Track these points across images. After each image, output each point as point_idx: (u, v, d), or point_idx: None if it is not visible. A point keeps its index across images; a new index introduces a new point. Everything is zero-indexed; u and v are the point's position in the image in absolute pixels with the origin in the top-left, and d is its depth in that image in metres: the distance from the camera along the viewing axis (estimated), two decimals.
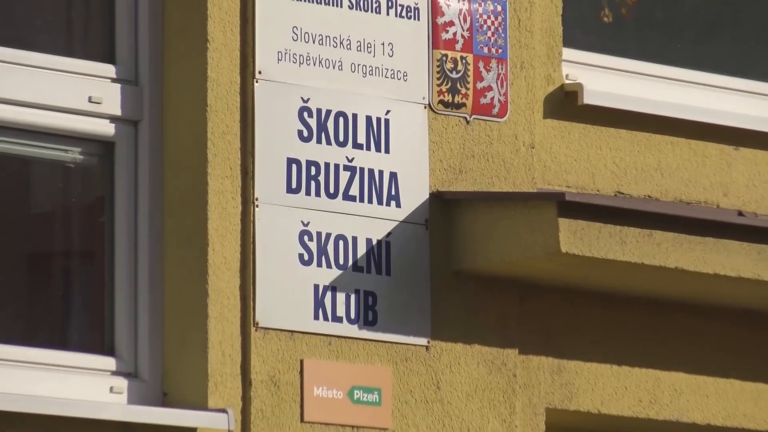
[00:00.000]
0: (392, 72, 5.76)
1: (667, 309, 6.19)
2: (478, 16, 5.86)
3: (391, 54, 5.74)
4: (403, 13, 5.77)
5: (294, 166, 5.55)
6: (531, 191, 5.84)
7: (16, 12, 5.95)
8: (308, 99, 5.59)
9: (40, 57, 5.49)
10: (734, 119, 6.59)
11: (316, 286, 5.48)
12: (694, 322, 6.27)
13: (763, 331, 6.42)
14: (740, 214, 6.31)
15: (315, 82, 5.62)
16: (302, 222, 5.51)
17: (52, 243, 5.97)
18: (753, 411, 6.56)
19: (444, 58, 5.80)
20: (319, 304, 5.52)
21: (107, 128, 5.51)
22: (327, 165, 5.65)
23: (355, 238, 5.60)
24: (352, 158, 5.65)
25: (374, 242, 5.68)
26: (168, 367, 5.53)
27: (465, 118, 5.82)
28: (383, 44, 5.78)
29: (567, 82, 6.10)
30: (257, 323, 5.38)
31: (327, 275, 5.55)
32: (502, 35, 5.90)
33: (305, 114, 5.58)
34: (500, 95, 5.91)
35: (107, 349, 5.50)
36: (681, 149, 6.41)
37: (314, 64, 5.67)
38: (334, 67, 5.69)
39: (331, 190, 5.58)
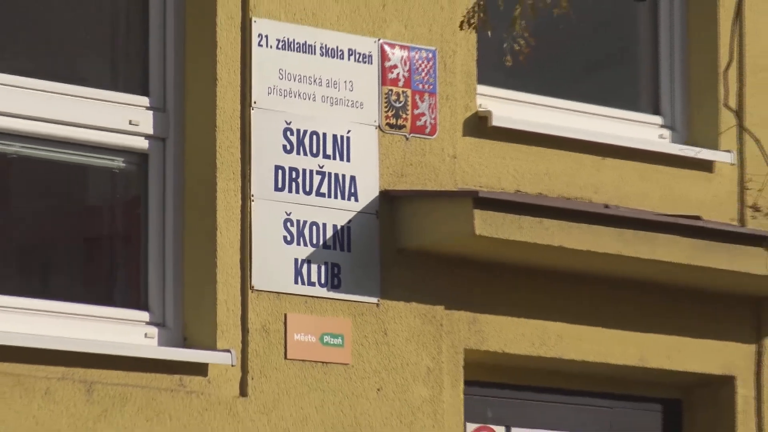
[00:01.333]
0: (352, 102, 6.07)
1: (553, 277, 6.39)
2: (414, 61, 6.18)
3: (351, 89, 6.05)
4: (360, 59, 6.08)
5: (280, 171, 5.83)
6: (453, 190, 6.09)
7: (81, 59, 6.11)
8: (290, 122, 5.87)
9: (96, 91, 5.74)
10: (602, 137, 6.81)
11: (296, 260, 5.77)
12: (573, 285, 6.42)
13: (623, 291, 6.59)
14: (606, 206, 6.40)
15: (295, 110, 5.88)
16: (286, 212, 5.78)
17: (102, 228, 6.20)
18: (618, 350, 6.66)
19: (390, 92, 6.10)
20: (297, 272, 5.79)
21: (143, 144, 5.83)
22: (304, 170, 5.90)
23: (324, 224, 5.86)
24: (323, 165, 5.94)
25: (338, 227, 5.94)
26: (187, 319, 5.79)
27: (405, 136, 6.12)
28: (345, 82, 6.10)
29: (480, 110, 6.38)
30: (253, 287, 5.66)
31: (304, 252, 5.81)
32: (432, 75, 6.18)
33: (288, 133, 5.85)
34: (431, 119, 6.21)
35: (143, 306, 5.78)
36: (564, 159, 6.65)
37: (294, 97, 5.96)
38: (309, 99, 5.96)
39: (307, 189, 5.87)
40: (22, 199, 6.00)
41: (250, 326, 5.59)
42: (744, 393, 6.78)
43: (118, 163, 5.85)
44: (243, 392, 5.58)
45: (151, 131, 5.75)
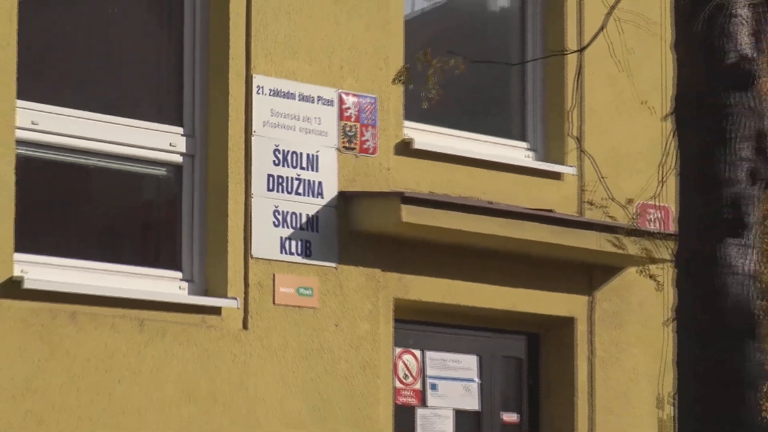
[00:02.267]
0: (319, 132, 6.75)
1: (455, 249, 7.02)
2: (362, 105, 6.82)
3: (319, 123, 6.73)
4: (326, 103, 6.74)
5: (271, 178, 6.53)
6: (388, 191, 6.75)
7: (141, 102, 6.69)
8: (278, 145, 6.58)
9: (149, 123, 6.51)
10: (488, 156, 7.32)
11: (281, 237, 6.49)
12: (469, 255, 7.07)
13: (502, 260, 7.18)
14: (489, 203, 6.96)
15: (281, 137, 6.59)
16: (275, 206, 6.52)
17: (152, 216, 6.91)
18: (497, 299, 7.25)
19: (345, 125, 6.77)
20: (282, 246, 6.49)
21: (179, 159, 6.55)
22: (287, 177, 6.61)
23: (301, 213, 6.61)
24: (299, 174, 6.65)
25: (310, 216, 6.66)
26: (208, 277, 6.52)
27: (355, 155, 6.82)
28: (315, 118, 6.76)
29: (405, 137, 7.05)
30: (252, 255, 6.41)
31: (286, 232, 6.54)
32: (374, 114, 6.82)
33: (276, 152, 6.56)
34: (373, 144, 6.86)
35: (178, 268, 6.53)
36: (462, 171, 7.22)
37: (281, 128, 6.65)
38: (290, 129, 6.65)
39: (289, 190, 6.55)
40: (98, 197, 6.72)
41: (250, 282, 6.37)
42: (581, 329, 7.50)
43: (162, 171, 6.58)
44: (245, 326, 6.35)
45: (184, 150, 6.49)
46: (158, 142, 6.44)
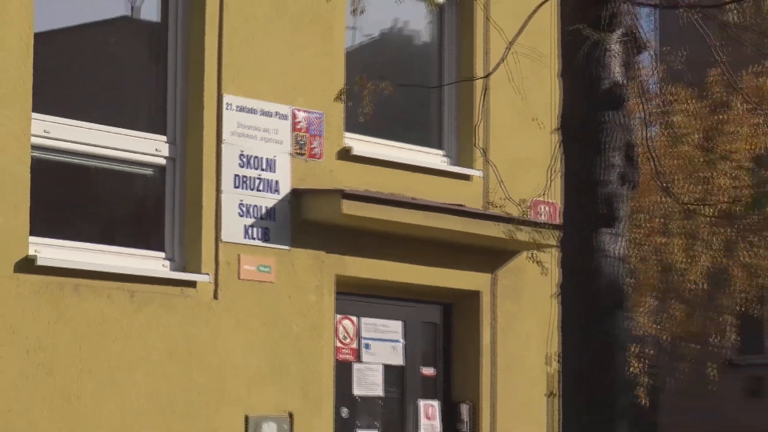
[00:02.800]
0: (276, 140, 6.95)
1: (386, 235, 7.26)
2: (311, 119, 7.06)
3: (276, 133, 6.93)
4: (282, 117, 6.93)
5: (237, 178, 6.77)
6: (331, 189, 7.03)
7: (135, 114, 6.88)
8: (243, 151, 6.79)
9: (139, 132, 6.64)
10: (413, 161, 7.60)
11: (245, 225, 6.76)
12: (394, 241, 7.31)
13: (424, 244, 7.42)
14: (413, 199, 7.23)
15: (246, 144, 6.81)
16: (240, 200, 6.77)
17: (142, 208, 7.13)
18: (420, 276, 7.48)
19: (297, 135, 7.01)
20: (246, 232, 6.76)
21: (162, 162, 6.74)
22: (250, 178, 6.86)
23: (261, 206, 6.85)
24: (260, 175, 6.89)
25: (268, 208, 6.90)
26: (185, 256, 6.71)
27: (305, 159, 7.06)
28: (273, 129, 6.93)
29: (345, 145, 7.28)
30: (222, 240, 6.65)
31: (249, 221, 6.81)
32: (321, 126, 7.12)
33: (242, 157, 6.79)
34: (320, 150, 7.13)
35: (161, 248, 6.71)
36: (391, 173, 7.42)
37: (246, 137, 6.84)
38: (253, 138, 6.87)
39: (252, 188, 6.83)
40: (98, 192, 6.90)
41: (220, 261, 6.64)
42: (485, 300, 7.83)
43: (149, 172, 6.83)
44: (215, 297, 6.62)
45: (167, 155, 6.73)
46: (146, 148, 6.66)
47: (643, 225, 12.12)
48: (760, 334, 14.06)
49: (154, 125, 6.78)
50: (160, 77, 6.85)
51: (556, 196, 5.06)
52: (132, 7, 7.07)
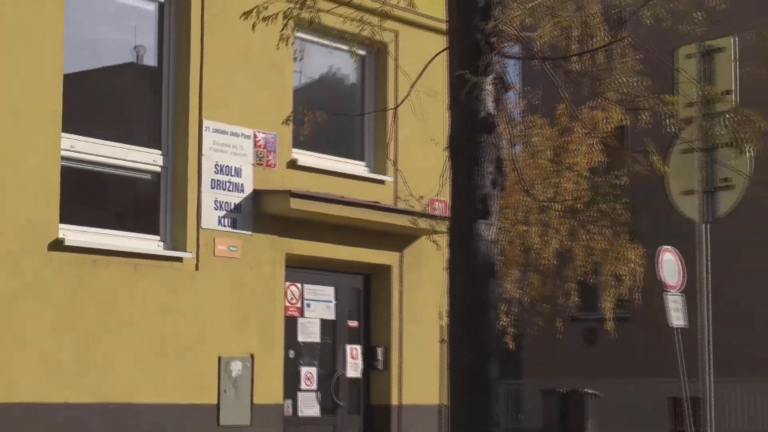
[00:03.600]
0: (242, 154, 7.05)
1: (323, 226, 7.30)
2: (268, 138, 7.17)
3: (242, 149, 7.05)
4: (246, 137, 7.05)
5: (213, 181, 6.86)
6: (282, 190, 7.08)
7: (137, 134, 6.80)
8: (218, 162, 6.89)
9: (140, 148, 6.74)
10: (340, 169, 7.55)
11: (219, 216, 6.87)
12: (326, 231, 7.37)
13: (349, 231, 7.37)
14: (342, 197, 7.23)
15: (219, 157, 6.92)
16: (215, 198, 6.87)
17: (141, 203, 7.25)
18: (349, 254, 7.46)
19: (257, 150, 7.12)
20: (219, 221, 6.86)
21: (158, 169, 6.84)
22: (225, 181, 6.96)
23: (230, 202, 6.96)
24: (230, 179, 7.01)
25: (236, 204, 7.01)
26: (175, 238, 6.78)
27: (263, 167, 7.14)
28: (241, 147, 7.05)
29: (293, 157, 7.30)
30: (201, 227, 6.75)
31: (223, 214, 6.91)
32: (275, 143, 7.22)
33: (216, 166, 6.91)
34: (274, 161, 7.20)
35: (157, 233, 6.78)
36: (326, 179, 7.51)
37: (220, 152, 6.93)
38: (225, 152, 6.97)
39: (224, 189, 6.93)
40: (110, 191, 7.10)
41: (200, 243, 6.75)
42: (395, 272, 7.98)
43: (148, 177, 6.94)
44: (197, 269, 6.72)
45: (161, 164, 6.83)
46: (146, 159, 6.79)
47: (510, 217, 12.53)
48: (594, 297, 14.21)
49: (152, 142, 6.84)
50: (157, 107, 6.90)
51: (446, 195, 4.91)
52: (137, 56, 7.07)
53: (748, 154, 5.57)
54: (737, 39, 6.10)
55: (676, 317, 7.67)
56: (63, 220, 6.13)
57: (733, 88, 6.01)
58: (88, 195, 6.74)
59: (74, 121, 6.26)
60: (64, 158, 6.18)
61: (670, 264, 7.73)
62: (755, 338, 13.37)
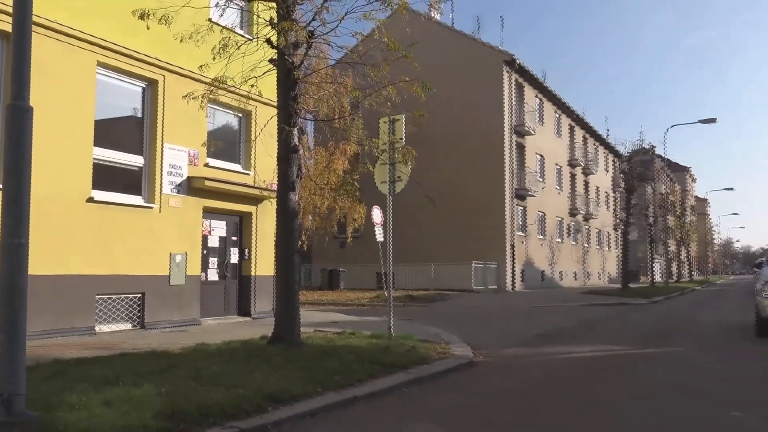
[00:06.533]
0: (182, 159, 6.95)
1: (225, 194, 7.37)
2: (194, 153, 7.15)
3: (184, 157, 7.01)
4: (183, 152, 7.06)
5: (168, 171, 6.93)
6: (201, 177, 7.26)
7: (128, 147, 6.85)
8: (170, 162, 7.02)
9: (131, 156, 6.93)
10: (236, 169, 7.76)
11: (170, 188, 7.12)
12: (231, 196, 7.60)
13: (237, 198, 7.66)
14: (236, 183, 7.19)
15: (172, 160, 6.97)
16: (169, 180, 7.06)
17: (133, 181, 7.18)
18: (233, 207, 7.83)
19: (190, 157, 6.98)
20: (171, 190, 7.10)
21: (141, 165, 6.97)
22: (174, 172, 6.94)
23: (177, 182, 7.19)
24: (179, 171, 6.92)
25: (180, 182, 7.13)
26: (149, 198, 6.91)
27: (194, 166, 7.08)
28: (183, 156, 7.02)
29: (207, 162, 7.21)
30: (162, 193, 6.95)
31: (173, 187, 7.18)
32: (198, 156, 7.36)
33: (170, 167, 6.99)
34: (198, 163, 7.14)
35: (140, 194, 6.84)
36: (225, 173, 7.52)
37: (171, 158, 6.80)
38: (174, 158, 7.02)
39: (174, 175, 7.01)
40: (116, 176, 7.04)
41: (161, 200, 6.97)
42: (255, 216, 7.85)
43: (136, 169, 7.16)
44: (160, 212, 6.86)
45: (141, 164, 7.18)
46: (134, 160, 7.20)
47: (306, 191, 13.86)
48: (344, 227, 16.15)
49: (138, 151, 7.27)
50: (141, 134, 7.32)
51: (276, 180, 4.95)
52: (134, 111, 7.32)
53: (408, 165, 5.99)
54: (405, 115, 6.15)
55: (379, 235, 8.73)
56: (93, 188, 6.58)
57: (402, 136, 6.16)
58: (104, 178, 6.87)
59: (99, 140, 6.67)
60: (95, 158, 6.62)
61: (376, 213, 8.61)
62: (414, 242, 17.47)
